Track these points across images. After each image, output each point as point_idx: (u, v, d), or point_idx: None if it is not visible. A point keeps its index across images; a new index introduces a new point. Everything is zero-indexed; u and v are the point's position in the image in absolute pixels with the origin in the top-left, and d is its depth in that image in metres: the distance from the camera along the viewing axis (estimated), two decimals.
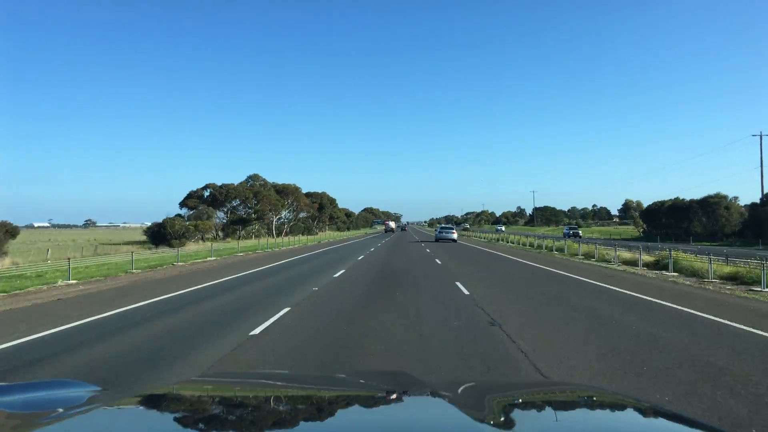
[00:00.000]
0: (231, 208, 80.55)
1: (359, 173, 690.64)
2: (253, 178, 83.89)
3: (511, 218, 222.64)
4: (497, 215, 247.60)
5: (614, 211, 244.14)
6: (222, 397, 2.10)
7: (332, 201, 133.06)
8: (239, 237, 78.41)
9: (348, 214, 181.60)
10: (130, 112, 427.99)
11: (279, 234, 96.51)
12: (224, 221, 77.99)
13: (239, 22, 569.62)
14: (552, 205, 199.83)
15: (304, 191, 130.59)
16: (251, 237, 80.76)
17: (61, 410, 1.70)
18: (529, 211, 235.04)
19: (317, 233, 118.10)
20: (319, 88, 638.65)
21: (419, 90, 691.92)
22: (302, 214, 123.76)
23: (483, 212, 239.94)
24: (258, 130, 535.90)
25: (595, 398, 2.12)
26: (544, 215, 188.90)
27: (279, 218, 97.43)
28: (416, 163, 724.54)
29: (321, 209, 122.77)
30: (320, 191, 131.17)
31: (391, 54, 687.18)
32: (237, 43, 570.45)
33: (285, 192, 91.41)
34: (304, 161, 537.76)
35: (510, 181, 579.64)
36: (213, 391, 2.22)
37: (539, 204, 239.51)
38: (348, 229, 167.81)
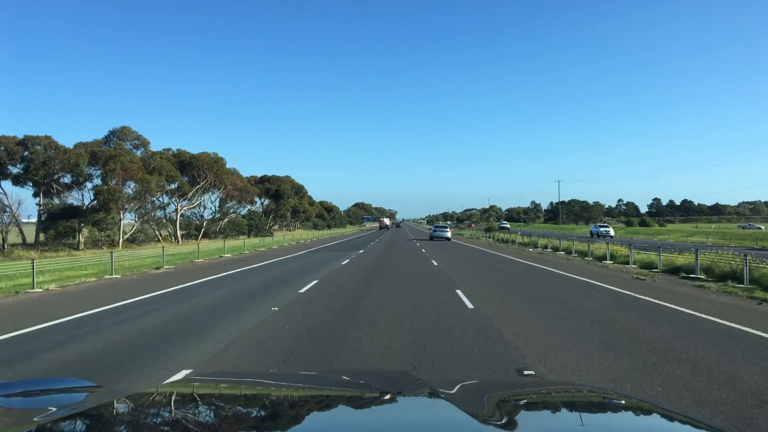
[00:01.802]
0: (97, 187, 41.96)
1: (354, 170, 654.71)
2: (120, 134, 44.65)
3: (523, 215, 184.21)
4: (502, 211, 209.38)
5: (643, 208, 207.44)
6: (215, 395, 2.05)
7: (298, 189, 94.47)
8: (78, 245, 40.31)
9: (329, 208, 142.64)
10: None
11: (201, 235, 58.17)
12: (43, 212, 39.17)
13: (235, 22, 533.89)
14: (564, 201, 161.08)
15: (261, 175, 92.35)
16: (116, 244, 42.54)
17: (57, 408, 1.67)
18: (545, 206, 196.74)
19: (275, 233, 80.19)
20: (315, 85, 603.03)
21: (419, 86, 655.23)
22: (252, 208, 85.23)
23: (492, 208, 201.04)
24: (255, 124, 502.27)
25: (596, 398, 2.07)
26: (572, 211, 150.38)
27: (188, 210, 58.84)
28: (414, 159, 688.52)
29: (277, 199, 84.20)
30: (283, 175, 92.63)
31: (390, 49, 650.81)
32: (233, 39, 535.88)
33: (195, 166, 52.83)
34: (299, 158, 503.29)
35: (514, 177, 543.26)
36: (206, 389, 2.16)
37: (552, 198, 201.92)
38: (328, 227, 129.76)
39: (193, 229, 61.48)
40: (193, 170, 53.70)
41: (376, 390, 2.12)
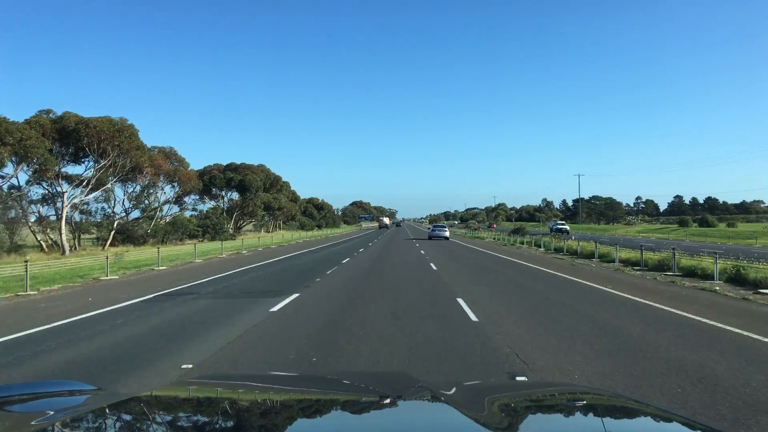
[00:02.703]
0: None
1: (353, 169, 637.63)
2: None
3: (539, 213, 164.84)
4: (508, 209, 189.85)
5: (663, 206, 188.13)
6: (213, 398, 2.02)
7: (274, 181, 75.09)
8: None
9: (319, 206, 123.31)
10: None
11: (110, 241, 39.33)
12: None
13: (232, 22, 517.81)
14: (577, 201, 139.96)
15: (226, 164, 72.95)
16: None
17: (56, 411, 1.64)
18: (557, 203, 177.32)
19: (246, 236, 61.78)
20: (313, 83, 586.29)
21: (419, 84, 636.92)
22: (220, 204, 66.09)
23: (499, 206, 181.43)
24: (253, 121, 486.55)
25: (598, 401, 2.02)
26: (593, 208, 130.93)
27: (96, 204, 39.62)
28: (414, 158, 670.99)
29: (242, 192, 65.04)
30: (256, 164, 73.39)
31: (389, 46, 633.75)
32: (231, 37, 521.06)
33: (85, 136, 33.81)
34: (297, 156, 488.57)
35: (520, 175, 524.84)
36: (205, 392, 2.11)
37: (564, 196, 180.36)
38: (318, 227, 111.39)
39: (105, 231, 42.35)
40: (82, 142, 34.54)
41: (376, 393, 2.06)
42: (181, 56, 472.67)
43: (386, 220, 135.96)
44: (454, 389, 2.10)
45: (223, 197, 69.83)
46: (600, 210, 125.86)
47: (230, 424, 1.60)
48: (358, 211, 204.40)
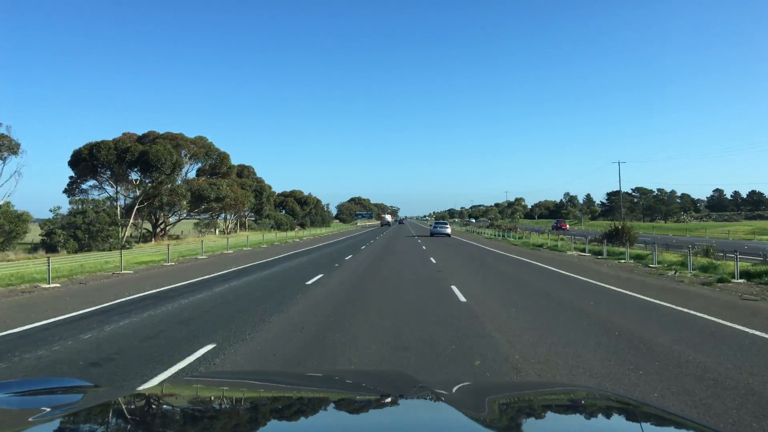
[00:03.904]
0: None
1: (354, 167, 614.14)
2: None
3: (577, 211, 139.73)
4: (526, 205, 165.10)
5: (701, 199, 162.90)
6: (211, 396, 2.00)
7: (218, 161, 49.96)
8: None
9: (303, 201, 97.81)
10: None
11: None
12: None
13: (231, 20, 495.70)
14: (588, 194, 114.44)
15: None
16: None
17: (53, 408, 1.63)
18: (581, 198, 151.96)
19: (161, 241, 37.57)
20: (313, 82, 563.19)
21: (419, 81, 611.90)
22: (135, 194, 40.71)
23: (517, 201, 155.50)
24: (258, 122, 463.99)
25: (599, 401, 2.01)
26: (636, 203, 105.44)
27: None
28: (416, 155, 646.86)
29: (148, 171, 40.04)
30: (194, 136, 48.42)
31: (388, 44, 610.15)
32: (230, 36, 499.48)
33: None
34: (297, 155, 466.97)
35: (530, 171, 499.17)
36: (203, 390, 2.09)
37: (588, 190, 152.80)
38: (301, 226, 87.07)
39: None
40: None
41: (377, 393, 2.02)
42: (181, 56, 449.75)
43: (388, 218, 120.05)
44: (454, 389, 2.04)
45: (143, 182, 44.88)
46: (648, 204, 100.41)
47: (228, 421, 1.55)
48: (356, 207, 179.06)
